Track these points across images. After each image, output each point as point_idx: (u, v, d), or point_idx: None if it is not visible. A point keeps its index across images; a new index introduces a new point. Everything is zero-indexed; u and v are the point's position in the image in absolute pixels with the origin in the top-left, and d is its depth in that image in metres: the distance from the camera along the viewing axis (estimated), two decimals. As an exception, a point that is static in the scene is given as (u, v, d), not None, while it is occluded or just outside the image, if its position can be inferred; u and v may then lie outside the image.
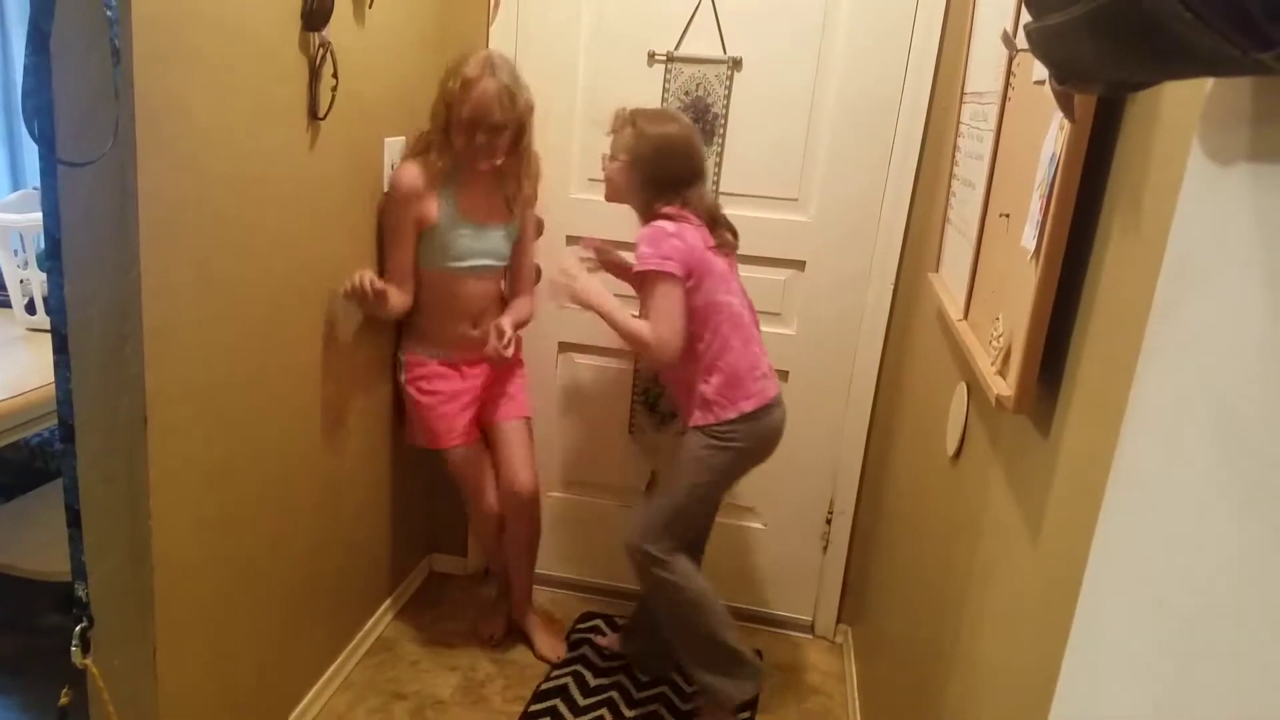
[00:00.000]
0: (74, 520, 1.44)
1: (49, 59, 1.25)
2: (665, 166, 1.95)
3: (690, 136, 1.98)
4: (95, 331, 1.37)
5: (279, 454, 1.80)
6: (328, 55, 1.67)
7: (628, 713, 2.20)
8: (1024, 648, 1.03)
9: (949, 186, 1.80)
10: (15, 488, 2.38)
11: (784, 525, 2.56)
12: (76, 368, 1.37)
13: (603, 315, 1.95)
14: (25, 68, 1.28)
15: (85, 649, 1.47)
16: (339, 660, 2.21)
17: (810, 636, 2.59)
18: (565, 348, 2.57)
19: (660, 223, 1.92)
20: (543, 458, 2.62)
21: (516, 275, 2.31)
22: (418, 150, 2.10)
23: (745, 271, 2.35)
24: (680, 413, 2.11)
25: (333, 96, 1.73)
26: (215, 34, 1.43)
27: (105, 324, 1.36)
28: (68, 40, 1.24)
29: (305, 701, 2.05)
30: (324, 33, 1.65)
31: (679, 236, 1.90)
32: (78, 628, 1.46)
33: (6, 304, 2.02)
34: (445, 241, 2.10)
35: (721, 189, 2.37)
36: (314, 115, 1.70)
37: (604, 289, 1.98)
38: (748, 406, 1.97)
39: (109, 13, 1.23)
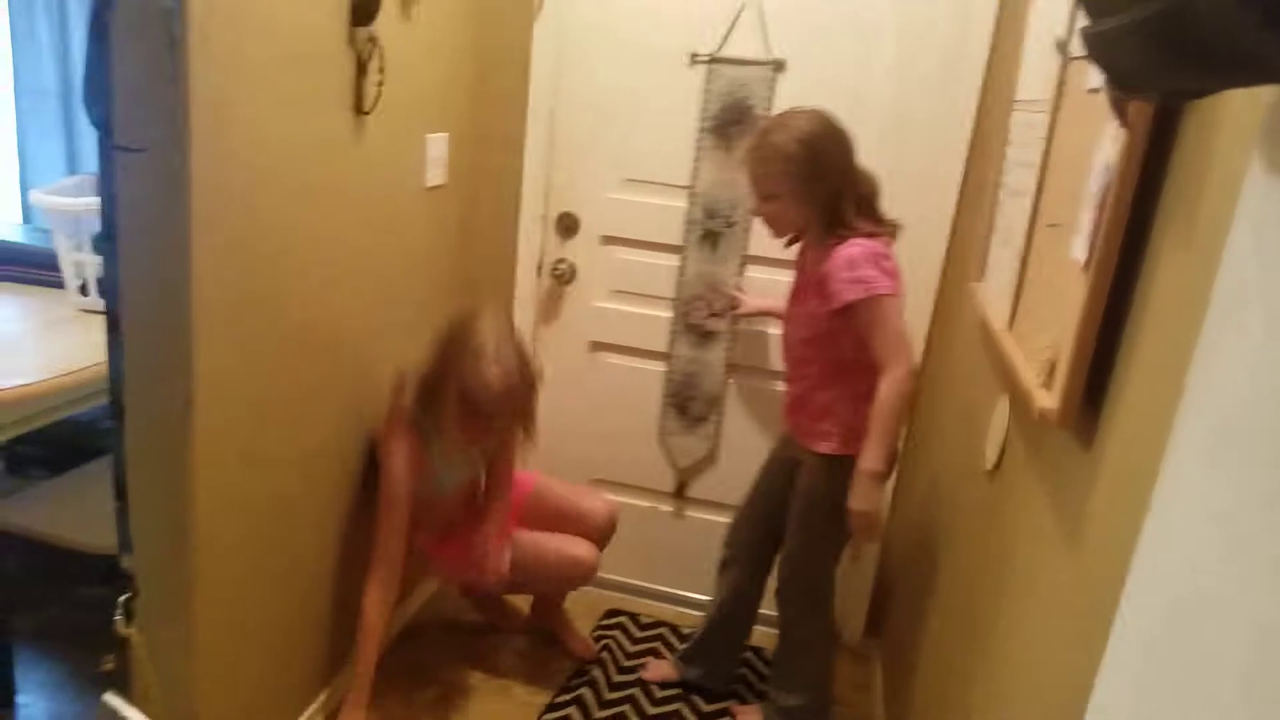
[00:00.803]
0: (121, 495, 1.48)
1: (109, 48, 1.28)
2: (830, 169, 1.78)
3: (827, 119, 1.80)
4: (146, 313, 1.40)
5: (317, 440, 1.83)
6: (375, 50, 1.69)
7: (650, 710, 2.20)
8: (1056, 662, 1.01)
9: (995, 195, 1.78)
10: (63, 463, 2.44)
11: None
12: (128, 348, 1.41)
13: (890, 458, 1.82)
14: (86, 56, 1.31)
15: (129, 619, 1.51)
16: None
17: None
18: (597, 347, 2.57)
19: (866, 242, 1.77)
20: (572, 454, 2.63)
21: (495, 481, 2.17)
22: (407, 406, 1.97)
23: (782, 276, 2.34)
24: (798, 433, 1.98)
25: (379, 91, 1.75)
26: (267, 27, 1.45)
27: (156, 306, 1.39)
28: (126, 30, 1.27)
29: (335, 683, 2.07)
30: (371, 27, 1.66)
31: (890, 256, 1.80)
32: (122, 598, 1.50)
33: (60, 285, 2.07)
34: (428, 480, 2.02)
35: (763, 192, 2.36)
36: (359, 110, 1.72)
37: (863, 489, 1.80)
38: None
39: (168, 3, 1.25)
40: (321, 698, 2.03)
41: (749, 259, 2.40)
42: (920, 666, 1.85)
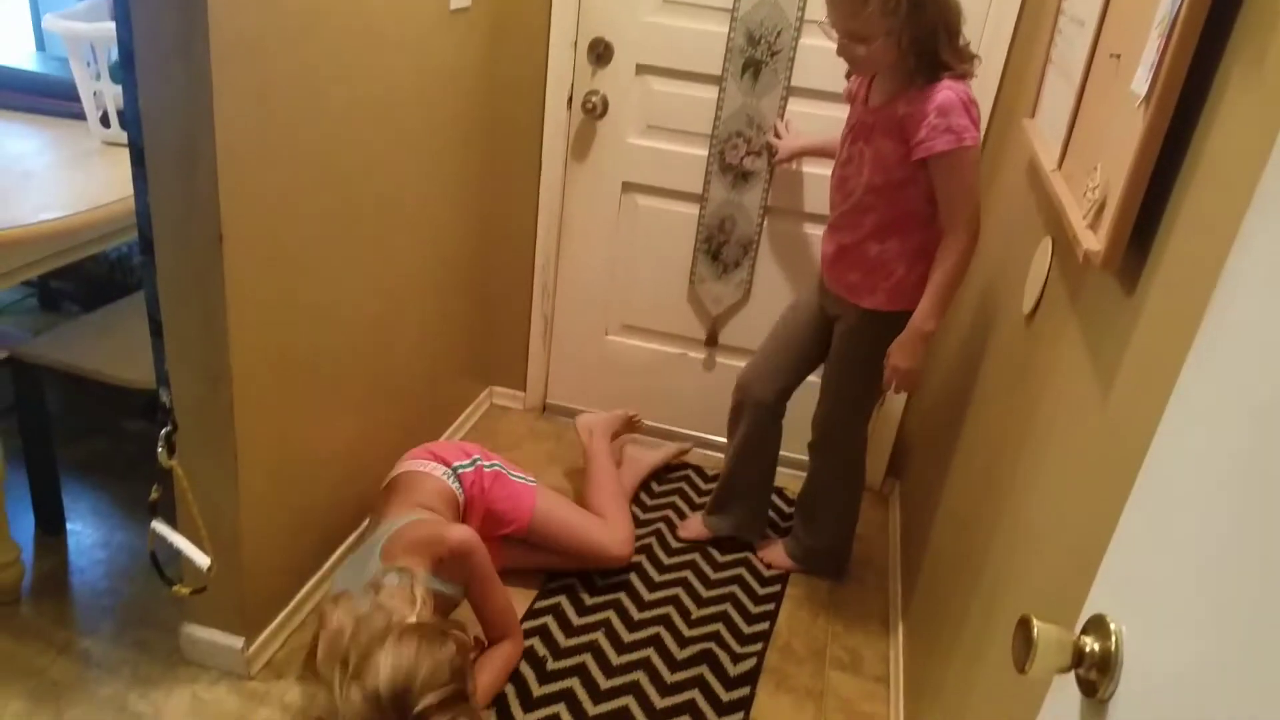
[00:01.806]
0: (156, 331, 1.52)
1: None
2: (930, 3, 1.63)
3: None
4: (170, 147, 1.39)
5: (342, 275, 1.86)
6: None
7: (667, 560, 2.31)
8: (1078, 508, 1.04)
9: (1055, 23, 1.68)
10: (96, 299, 2.50)
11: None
12: (153, 182, 1.41)
13: (938, 318, 1.82)
14: None
15: (170, 451, 1.58)
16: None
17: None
18: (629, 188, 2.53)
19: (958, 85, 1.68)
20: (600, 300, 2.65)
21: (488, 623, 1.82)
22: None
23: (830, 110, 2.26)
24: (840, 286, 1.94)
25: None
26: None
27: (180, 140, 1.38)
28: None
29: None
30: None
31: (977, 101, 1.71)
32: (162, 431, 1.57)
33: (81, 116, 2.06)
34: None
35: None
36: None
37: (912, 347, 1.84)
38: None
39: None
40: (362, 526, 2.15)
41: (793, 91, 2.31)
42: (940, 510, 1.91)
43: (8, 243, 1.65)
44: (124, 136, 1.97)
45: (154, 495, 1.60)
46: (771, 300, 2.48)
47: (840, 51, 1.74)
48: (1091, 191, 1.11)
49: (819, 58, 2.23)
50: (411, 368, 2.28)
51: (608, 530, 2.14)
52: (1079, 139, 1.29)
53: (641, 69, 2.39)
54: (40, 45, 2.56)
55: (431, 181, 2.16)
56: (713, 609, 2.12)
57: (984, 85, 2.17)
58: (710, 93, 2.35)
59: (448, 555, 1.68)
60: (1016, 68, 2.13)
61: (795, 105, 2.32)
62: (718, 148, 2.40)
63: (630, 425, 2.55)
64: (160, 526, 1.60)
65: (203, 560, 1.56)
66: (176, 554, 1.61)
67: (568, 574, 2.14)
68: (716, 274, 2.54)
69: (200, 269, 1.47)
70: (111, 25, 1.86)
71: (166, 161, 1.40)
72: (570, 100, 2.44)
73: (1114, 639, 0.65)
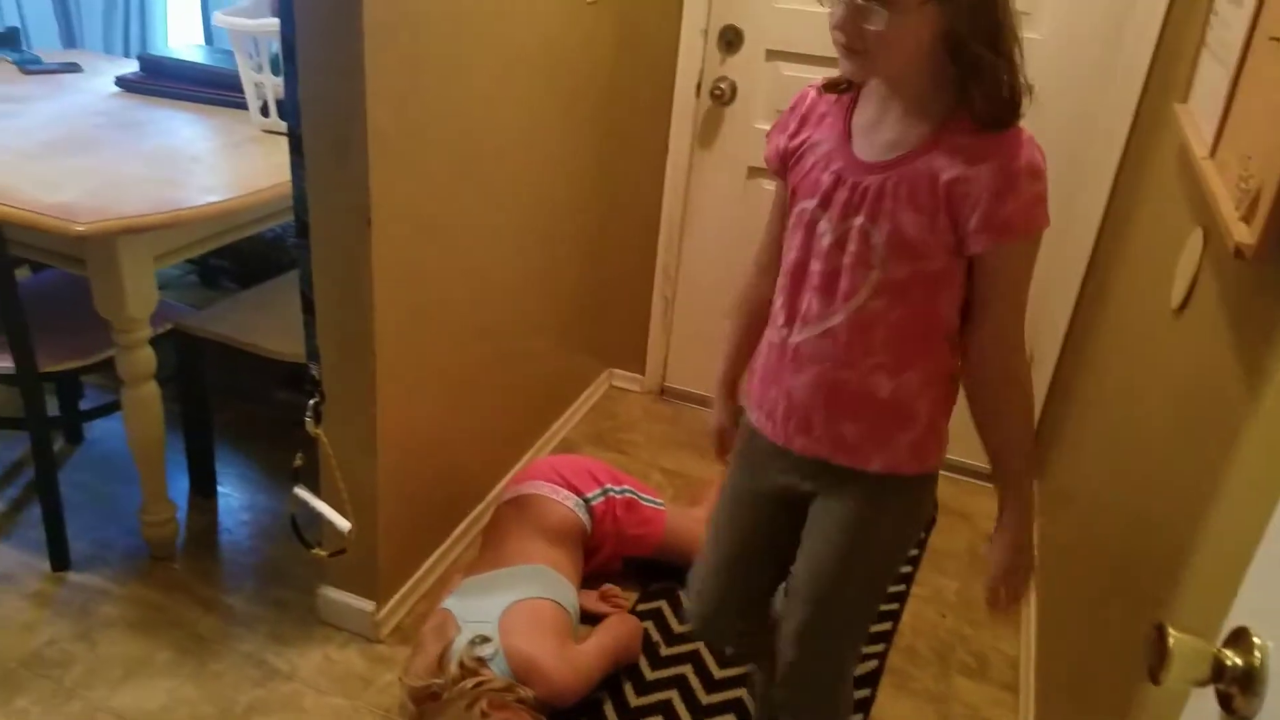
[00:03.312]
0: (308, 308, 1.64)
1: None
2: (1009, 13, 1.06)
3: None
4: (325, 133, 1.50)
5: (476, 255, 1.96)
6: None
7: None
8: (1224, 514, 1.01)
9: (1210, 4, 1.61)
10: (252, 276, 2.70)
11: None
12: (309, 168, 1.53)
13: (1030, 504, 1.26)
14: None
15: (317, 420, 1.71)
16: (526, 457, 2.44)
17: (987, 484, 2.58)
18: (754, 173, 2.54)
19: (1031, 137, 1.10)
20: (721, 284, 2.67)
21: None
22: None
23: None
24: (825, 445, 1.24)
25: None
26: None
27: (333, 126, 1.49)
28: None
29: (496, 490, 2.29)
30: None
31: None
32: (311, 401, 1.69)
33: (243, 105, 2.23)
34: None
35: None
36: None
37: (1025, 573, 1.26)
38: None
39: None
40: (490, 495, 2.25)
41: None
42: (1074, 508, 1.86)
43: (175, 223, 1.81)
44: (282, 125, 2.13)
45: (298, 461, 1.73)
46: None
47: (840, 23, 1.05)
48: (1245, 181, 1.08)
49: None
50: (535, 347, 2.37)
51: None
52: (1233, 126, 1.24)
53: (772, 54, 2.40)
54: (208, 39, 2.77)
55: (560, 164, 2.24)
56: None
57: (1134, 65, 2.09)
58: (842, 78, 2.34)
59: (541, 694, 1.64)
60: (1169, 49, 2.04)
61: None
62: (848, 134, 2.38)
63: None
64: (302, 492, 1.74)
65: (343, 524, 1.68)
66: (316, 519, 1.74)
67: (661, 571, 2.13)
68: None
69: (349, 250, 1.58)
70: (273, 21, 2.01)
71: (321, 149, 1.51)
72: (699, 87, 2.48)
73: (1258, 655, 0.63)
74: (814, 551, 1.29)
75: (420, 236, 1.72)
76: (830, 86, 1.21)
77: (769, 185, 2.53)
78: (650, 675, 1.89)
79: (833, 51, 1.09)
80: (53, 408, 2.20)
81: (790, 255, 1.23)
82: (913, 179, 1.11)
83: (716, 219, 2.62)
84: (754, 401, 1.33)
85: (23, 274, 2.26)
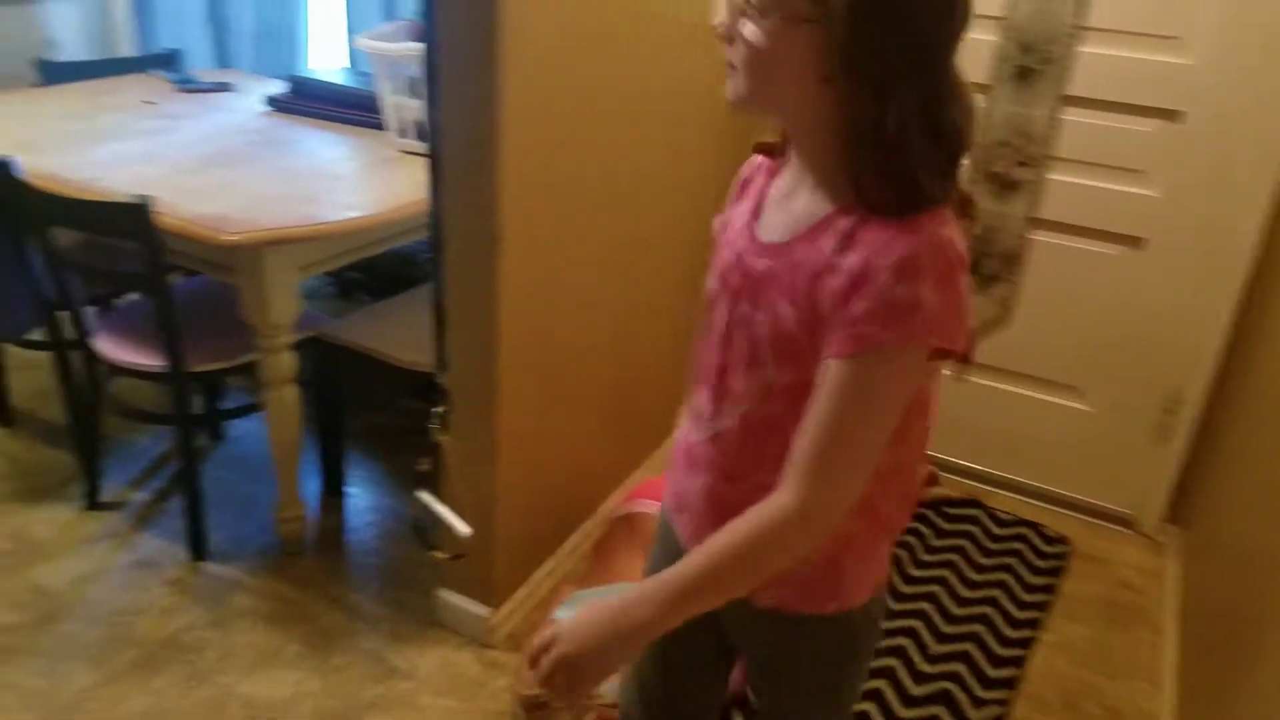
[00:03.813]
0: (439, 320, 1.72)
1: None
2: (907, 26, 0.82)
3: None
4: (461, 155, 1.57)
5: (599, 274, 2.00)
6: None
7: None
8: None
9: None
10: (384, 289, 2.83)
11: (1111, 409, 2.41)
12: (445, 187, 1.60)
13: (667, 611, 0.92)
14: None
15: (443, 428, 1.78)
16: (638, 474, 2.46)
17: (1126, 530, 2.47)
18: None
19: (939, 231, 0.84)
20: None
21: None
22: None
23: (1113, 121, 2.15)
24: (768, 592, 1.03)
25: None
26: None
27: (470, 150, 1.56)
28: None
29: (609, 504, 2.32)
30: None
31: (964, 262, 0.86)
32: (438, 410, 1.76)
33: (381, 126, 2.34)
34: None
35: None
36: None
37: (576, 627, 0.95)
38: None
39: None
40: (601, 508, 2.29)
41: (1070, 100, 2.21)
42: (1234, 562, 1.75)
43: (316, 236, 1.92)
44: (419, 146, 2.23)
45: (423, 466, 1.80)
46: (1035, 317, 2.38)
47: (721, 28, 0.91)
48: None
49: (1102, 64, 2.13)
50: (650, 366, 2.40)
51: None
52: None
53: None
54: (351, 62, 2.93)
55: (681, 192, 2.26)
56: (954, 646, 2.05)
57: (1300, 91, 1.98)
58: (976, 100, 2.30)
59: None
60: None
61: (1075, 114, 2.22)
62: (982, 157, 2.33)
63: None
64: (425, 496, 1.81)
65: (463, 529, 1.74)
66: (436, 523, 1.80)
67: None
68: (973, 285, 2.47)
69: (479, 267, 1.64)
70: (413, 46, 2.11)
71: (457, 169, 1.58)
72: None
73: None
74: (755, 688, 1.19)
75: (547, 256, 1.77)
76: (760, 147, 1.03)
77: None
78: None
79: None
80: (198, 406, 2.36)
81: (699, 339, 1.06)
82: (793, 266, 0.91)
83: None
84: (666, 489, 1.15)
85: (173, 279, 2.42)
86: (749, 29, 0.86)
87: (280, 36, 3.00)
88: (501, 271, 1.63)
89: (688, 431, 1.08)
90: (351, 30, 2.87)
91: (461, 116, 1.53)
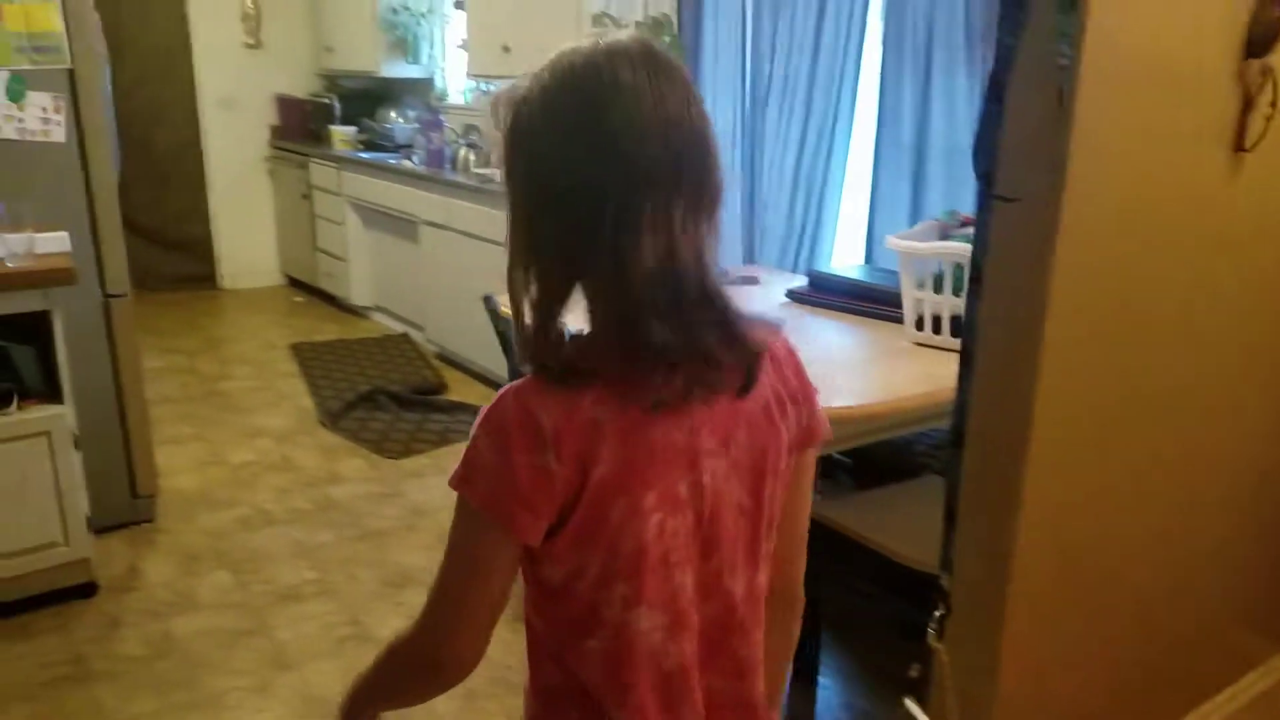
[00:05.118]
0: (949, 517, 1.69)
1: (1002, 107, 1.47)
2: (546, 187, 0.90)
3: (602, 65, 0.87)
4: (997, 349, 1.57)
5: (1135, 483, 1.82)
6: (1267, 83, 1.61)
7: None
8: None
9: None
10: (870, 476, 2.86)
11: None
12: (977, 381, 1.60)
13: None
14: (980, 115, 1.53)
15: (940, 634, 1.71)
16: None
17: None
18: None
19: (513, 394, 0.92)
20: None
21: None
22: None
23: None
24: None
25: (1265, 126, 1.66)
26: (1158, 68, 1.50)
27: (1007, 343, 1.55)
28: (1021, 89, 1.45)
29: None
30: (1266, 59, 1.59)
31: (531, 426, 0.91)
32: (937, 614, 1.71)
33: (895, 319, 2.44)
34: None
35: None
36: (1238, 147, 1.66)
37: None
38: None
39: (1062, 61, 1.39)
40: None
41: None
42: None
43: (830, 419, 2.02)
44: (934, 339, 2.28)
45: (914, 673, 1.74)
46: None
47: None
48: None
49: None
50: (1190, 598, 2.09)
51: None
52: None
53: None
54: (868, 258, 3.12)
55: (1245, 381, 2.01)
56: None
57: None
58: None
59: None
60: None
61: None
62: None
63: None
64: (912, 706, 1.73)
65: (953, 749, 1.63)
66: (917, 734, 1.71)
67: None
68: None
69: (1002, 467, 1.59)
70: (948, 245, 2.20)
71: (991, 365, 1.58)
72: None
73: None
74: None
75: (1079, 459, 1.67)
76: None
77: None
78: None
79: None
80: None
81: None
82: None
83: None
84: None
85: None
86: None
87: (805, 236, 3.31)
88: (1028, 475, 1.57)
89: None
90: (872, 229, 3.07)
91: (1003, 312, 1.54)
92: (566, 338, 0.91)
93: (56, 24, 2.80)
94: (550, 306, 0.90)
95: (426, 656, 0.98)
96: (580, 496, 0.90)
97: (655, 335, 0.87)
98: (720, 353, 0.91)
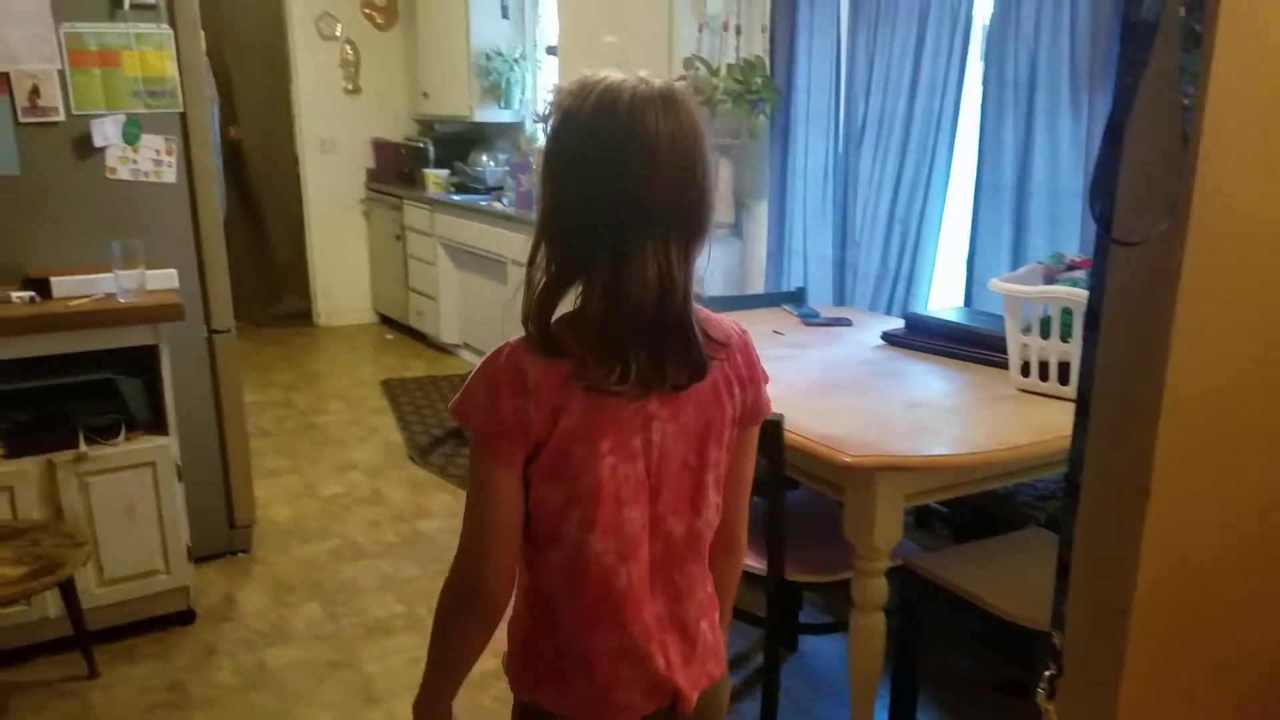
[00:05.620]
0: (1062, 572, 1.62)
1: (1120, 150, 1.44)
2: (568, 199, 1.12)
3: (613, 99, 1.07)
4: (1113, 399, 1.52)
5: (1269, 534, 1.73)
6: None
7: None
8: None
9: None
10: (970, 528, 2.78)
11: None
12: (1092, 431, 1.55)
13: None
14: (1099, 158, 1.50)
15: (1050, 694, 1.64)
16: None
17: None
18: None
19: (506, 350, 1.16)
20: None
21: None
22: None
23: None
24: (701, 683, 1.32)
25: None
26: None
27: (1124, 393, 1.50)
28: (1141, 130, 1.41)
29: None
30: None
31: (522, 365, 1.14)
32: (1048, 674, 1.64)
33: (998, 364, 2.38)
34: None
35: None
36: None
37: None
38: None
39: (1185, 101, 1.36)
40: None
41: None
42: None
43: (931, 467, 1.98)
44: (1040, 385, 2.22)
45: (1017, 732, 1.67)
46: None
47: None
48: None
49: None
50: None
51: None
52: None
53: None
54: (967, 301, 3.06)
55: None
56: None
57: None
58: None
59: None
60: None
61: None
62: None
63: None
64: (1020, 767, 1.66)
65: (1068, 819, 1.55)
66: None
67: None
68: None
69: (1119, 521, 1.53)
70: (1047, 289, 2.15)
71: (1108, 415, 1.53)
72: None
73: None
74: None
75: (1201, 518, 1.59)
76: None
77: None
78: None
79: None
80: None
81: None
82: None
83: None
84: None
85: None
86: None
87: (900, 278, 3.27)
88: (1147, 531, 1.51)
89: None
90: (971, 272, 3.02)
91: (1121, 359, 1.49)
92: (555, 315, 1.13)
93: (170, 70, 2.96)
94: (552, 293, 1.12)
95: (465, 583, 1.18)
96: (550, 438, 1.12)
97: (630, 355, 1.09)
98: (675, 372, 1.13)
